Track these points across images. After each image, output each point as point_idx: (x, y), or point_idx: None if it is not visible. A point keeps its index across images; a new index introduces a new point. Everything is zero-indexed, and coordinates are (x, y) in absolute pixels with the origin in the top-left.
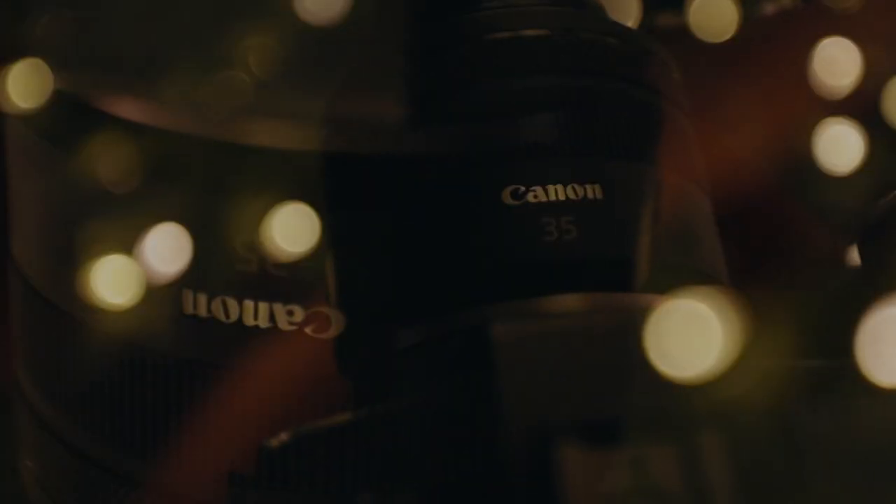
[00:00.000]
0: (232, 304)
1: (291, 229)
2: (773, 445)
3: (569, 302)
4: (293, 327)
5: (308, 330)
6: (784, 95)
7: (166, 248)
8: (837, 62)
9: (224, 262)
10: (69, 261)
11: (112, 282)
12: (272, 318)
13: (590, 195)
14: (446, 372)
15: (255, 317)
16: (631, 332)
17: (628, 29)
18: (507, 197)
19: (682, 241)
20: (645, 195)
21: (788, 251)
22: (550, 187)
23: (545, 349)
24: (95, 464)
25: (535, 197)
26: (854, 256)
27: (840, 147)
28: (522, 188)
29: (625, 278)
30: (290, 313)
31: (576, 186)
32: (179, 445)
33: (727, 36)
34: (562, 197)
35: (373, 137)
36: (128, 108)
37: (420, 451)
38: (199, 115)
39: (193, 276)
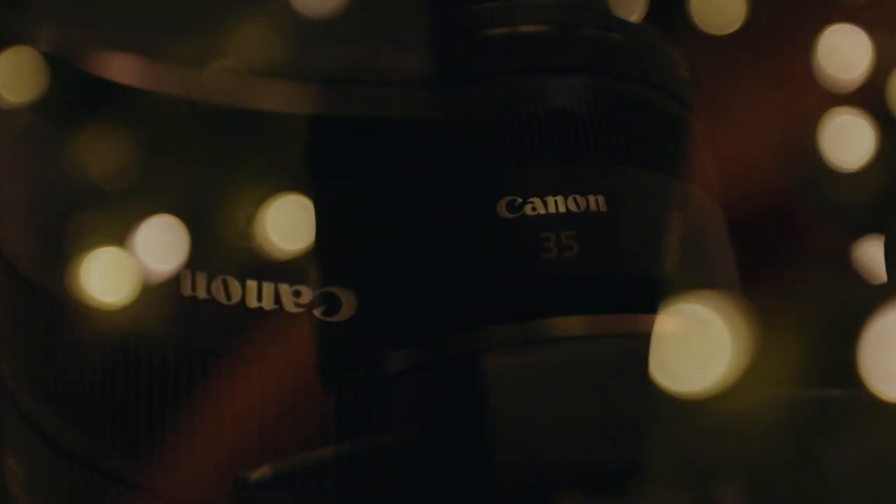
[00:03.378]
0: (234, 284)
1: (295, 210)
2: (793, 489)
3: (570, 325)
4: (300, 310)
5: (317, 312)
6: (793, 90)
7: (163, 228)
8: (846, 53)
9: (225, 238)
10: (61, 241)
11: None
12: (277, 299)
13: (592, 207)
14: (435, 404)
15: (259, 298)
16: (638, 361)
17: (633, 24)
18: (502, 209)
19: (692, 256)
20: (652, 206)
21: (800, 253)
22: (550, 198)
23: (544, 382)
24: (86, 464)
25: (534, 209)
26: (863, 254)
27: (851, 142)
28: (519, 199)
29: (630, 298)
30: (297, 294)
31: (577, 197)
32: (177, 442)
33: (733, 27)
34: (562, 209)
35: (378, 99)
36: (126, 73)
37: (404, 490)
38: (200, 77)
39: (192, 255)
